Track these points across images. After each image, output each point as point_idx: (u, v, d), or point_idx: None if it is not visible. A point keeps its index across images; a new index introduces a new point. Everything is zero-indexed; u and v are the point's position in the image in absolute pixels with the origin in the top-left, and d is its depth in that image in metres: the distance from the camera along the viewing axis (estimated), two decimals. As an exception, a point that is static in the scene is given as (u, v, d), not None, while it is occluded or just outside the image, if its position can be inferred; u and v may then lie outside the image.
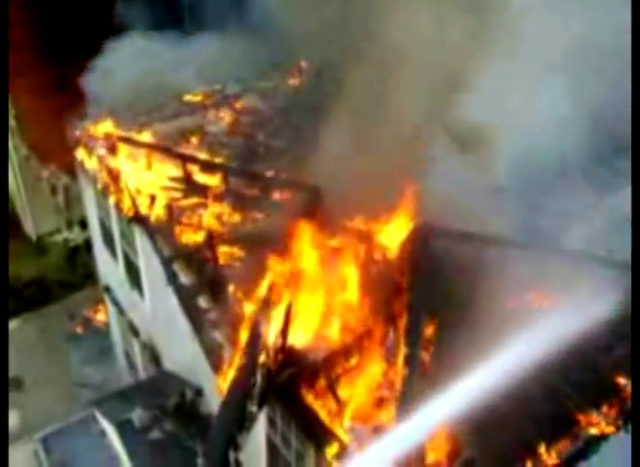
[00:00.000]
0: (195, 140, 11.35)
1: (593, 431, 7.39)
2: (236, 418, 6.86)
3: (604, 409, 7.57)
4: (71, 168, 16.87)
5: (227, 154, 11.02)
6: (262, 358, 7.27)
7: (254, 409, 7.14)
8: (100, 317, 17.20)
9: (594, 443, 7.35)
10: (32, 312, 17.80)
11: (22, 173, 19.27)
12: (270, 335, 7.43)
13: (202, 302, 8.56)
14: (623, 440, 7.47)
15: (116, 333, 14.08)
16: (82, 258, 18.88)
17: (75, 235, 19.71)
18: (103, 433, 12.56)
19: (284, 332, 7.54)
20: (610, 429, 7.45)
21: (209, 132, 11.69)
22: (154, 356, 12.01)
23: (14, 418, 15.36)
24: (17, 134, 18.53)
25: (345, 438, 7.22)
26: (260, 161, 10.85)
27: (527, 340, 6.99)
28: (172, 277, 8.89)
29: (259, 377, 7.14)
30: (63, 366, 16.34)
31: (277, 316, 7.54)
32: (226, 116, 12.16)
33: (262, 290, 7.95)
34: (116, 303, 13.10)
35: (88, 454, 13.31)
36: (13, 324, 17.38)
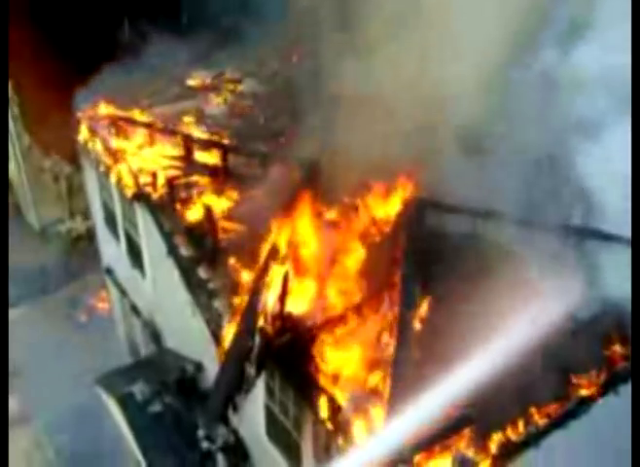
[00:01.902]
0: (194, 122, 11.52)
1: (584, 393, 7.58)
2: (236, 378, 7.06)
3: (594, 372, 7.76)
4: (73, 158, 17.17)
5: (226, 135, 11.19)
6: (260, 322, 7.47)
7: (252, 371, 7.33)
8: (103, 305, 17.42)
9: (584, 404, 7.53)
10: (35, 300, 18.01)
11: (25, 163, 19.49)
12: (268, 301, 7.63)
13: (202, 272, 8.76)
14: (612, 401, 7.71)
15: (118, 315, 14.28)
16: (84, 247, 19.08)
17: (77, 225, 19.93)
18: (105, 418, 12.82)
19: (282, 298, 7.74)
20: (599, 391, 7.64)
21: (209, 115, 11.88)
22: (155, 335, 12.22)
23: (15, 404, 15.53)
24: (20, 123, 18.74)
25: (342, 402, 7.42)
26: (259, 140, 11.03)
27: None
28: (173, 249, 9.09)
29: (257, 341, 7.33)
30: (65, 352, 16.51)
31: (275, 283, 7.74)
32: (225, 99, 12.35)
33: (260, 259, 8.15)
34: (117, 284, 13.30)
35: (90, 439, 13.59)
36: (15, 311, 17.57)
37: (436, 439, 6.73)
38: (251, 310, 7.55)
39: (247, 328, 7.43)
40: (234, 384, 7.07)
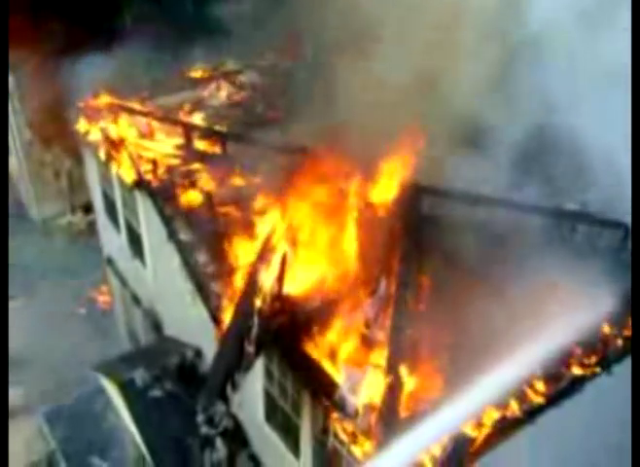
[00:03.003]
0: (194, 111, 11.64)
1: (577, 372, 7.68)
2: (235, 355, 7.16)
3: (588, 353, 7.87)
4: (74, 153, 17.29)
5: (226, 124, 11.31)
6: (258, 303, 7.59)
7: (251, 350, 7.44)
8: (103, 298, 17.55)
9: (578, 383, 7.64)
10: (36, 292, 18.14)
11: (26, 157, 19.62)
12: (267, 281, 7.74)
13: (201, 256, 8.88)
14: (605, 381, 7.82)
15: (118, 305, 14.39)
16: (85, 241, 19.20)
17: (78, 219, 20.07)
18: (106, 408, 12.91)
19: (280, 279, 7.85)
20: (594, 371, 7.74)
21: (209, 105, 12.00)
22: (155, 324, 12.32)
23: (17, 395, 15.65)
24: (21, 118, 18.86)
25: (340, 382, 7.52)
26: (257, 130, 11.14)
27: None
28: (172, 234, 9.20)
29: (255, 320, 7.44)
30: (66, 345, 16.63)
31: (273, 264, 7.86)
32: (225, 90, 12.47)
33: (259, 242, 8.27)
34: (118, 274, 13.41)
35: (92, 429, 13.67)
36: (17, 303, 17.73)
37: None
38: (249, 291, 7.66)
39: (246, 308, 7.54)
40: (233, 362, 7.17)
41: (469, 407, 6.78)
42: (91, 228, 17.73)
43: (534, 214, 8.80)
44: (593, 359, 7.81)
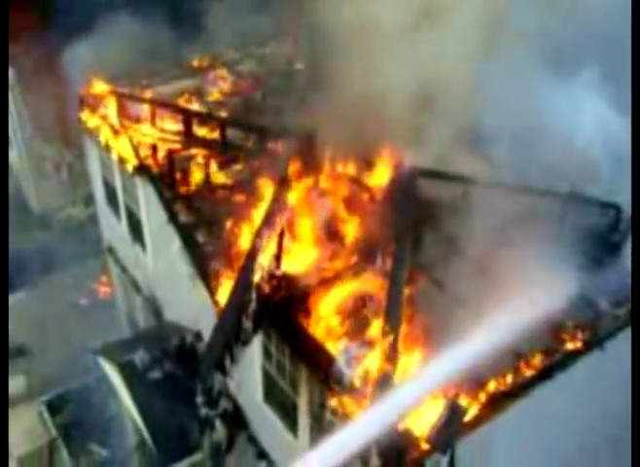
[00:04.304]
0: (193, 99, 11.79)
1: (570, 346, 7.81)
2: (233, 328, 7.30)
3: (580, 328, 8.01)
4: (75, 146, 17.43)
5: (224, 110, 11.46)
6: (256, 278, 7.73)
7: (249, 325, 7.58)
8: (104, 289, 17.71)
9: (571, 357, 7.77)
10: (38, 284, 18.31)
11: (27, 151, 19.79)
12: (265, 259, 7.88)
13: (201, 236, 9.01)
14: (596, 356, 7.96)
15: (118, 293, 14.53)
16: (85, 233, 19.33)
17: (79, 212, 20.21)
18: (107, 395, 13.04)
19: (278, 257, 8.00)
20: (585, 346, 7.88)
21: (207, 93, 12.14)
22: (155, 310, 12.45)
23: (19, 383, 15.80)
24: (23, 112, 19.02)
25: (336, 357, 7.65)
26: (256, 116, 11.29)
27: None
28: (172, 216, 9.34)
29: (253, 295, 7.59)
30: (67, 334, 16.76)
31: (271, 242, 8.00)
32: (225, 78, 12.62)
33: (257, 222, 8.40)
34: (118, 262, 13.54)
35: (93, 416, 13.81)
36: (20, 294, 17.89)
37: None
38: (248, 268, 7.80)
39: (244, 284, 7.67)
40: (232, 335, 7.31)
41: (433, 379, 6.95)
42: (92, 220, 17.85)
43: (527, 195, 8.89)
44: (586, 334, 7.93)
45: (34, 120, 19.13)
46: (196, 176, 9.94)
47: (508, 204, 8.93)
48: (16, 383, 15.42)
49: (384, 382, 7.07)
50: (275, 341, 8.76)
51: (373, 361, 7.39)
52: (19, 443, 14.24)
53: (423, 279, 8.39)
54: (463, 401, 7.13)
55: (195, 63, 13.00)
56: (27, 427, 14.72)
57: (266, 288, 7.86)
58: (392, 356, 7.26)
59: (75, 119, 12.37)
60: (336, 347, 7.69)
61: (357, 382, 7.26)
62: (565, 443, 8.38)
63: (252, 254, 7.90)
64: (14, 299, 17.15)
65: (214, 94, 12.27)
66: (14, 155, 20.53)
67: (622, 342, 8.08)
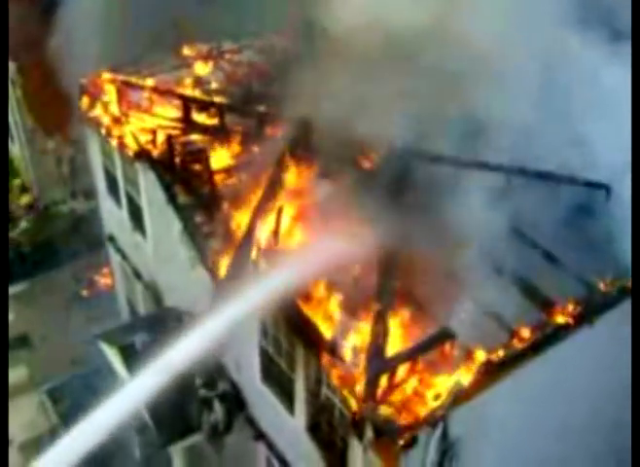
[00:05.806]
0: (193, 86, 11.97)
1: (560, 320, 7.99)
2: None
3: (572, 303, 8.19)
4: (76, 140, 17.62)
5: (223, 97, 11.63)
6: (254, 256, 7.91)
7: (247, 300, 7.74)
8: (105, 280, 17.89)
9: (561, 331, 7.95)
10: (39, 275, 18.49)
11: (28, 145, 19.96)
12: (263, 235, 8.07)
13: (199, 217, 9.20)
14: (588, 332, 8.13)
15: (119, 282, 14.70)
16: (87, 227, 19.51)
17: (80, 205, 20.39)
18: (108, 384, 13.18)
19: (276, 233, 8.18)
20: (575, 321, 8.06)
21: (206, 81, 12.32)
22: (155, 296, 12.63)
23: (21, 373, 16.01)
24: (23, 106, 19.19)
25: (333, 332, 7.82)
26: (255, 104, 11.45)
27: None
28: (172, 199, 9.52)
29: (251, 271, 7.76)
30: (69, 325, 16.94)
31: (269, 220, 8.18)
32: (222, 68, 12.80)
33: (256, 200, 8.58)
34: (119, 250, 13.73)
35: (94, 404, 13.95)
36: (21, 286, 18.08)
37: (415, 352, 7.13)
38: (246, 243, 7.98)
39: (242, 259, 7.85)
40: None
41: None
42: (92, 213, 18.01)
43: (518, 175, 9.04)
44: (577, 309, 8.10)
45: (35, 113, 19.34)
46: (195, 159, 10.09)
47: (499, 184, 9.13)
48: (17, 373, 15.64)
49: (375, 354, 7.25)
50: (272, 320, 8.93)
51: (365, 333, 7.56)
52: (21, 431, 14.43)
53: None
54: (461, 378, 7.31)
55: (193, 53, 13.17)
56: (29, 416, 14.93)
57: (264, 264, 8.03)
58: (383, 329, 7.43)
59: (76, 110, 12.57)
60: (330, 321, 7.87)
61: (349, 353, 7.43)
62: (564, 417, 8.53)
63: (250, 231, 8.08)
64: (15, 289, 17.39)
65: (213, 83, 12.42)
66: (15, 149, 20.72)
67: (613, 320, 8.31)
